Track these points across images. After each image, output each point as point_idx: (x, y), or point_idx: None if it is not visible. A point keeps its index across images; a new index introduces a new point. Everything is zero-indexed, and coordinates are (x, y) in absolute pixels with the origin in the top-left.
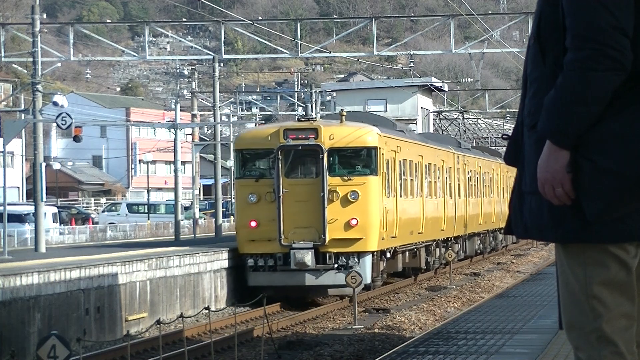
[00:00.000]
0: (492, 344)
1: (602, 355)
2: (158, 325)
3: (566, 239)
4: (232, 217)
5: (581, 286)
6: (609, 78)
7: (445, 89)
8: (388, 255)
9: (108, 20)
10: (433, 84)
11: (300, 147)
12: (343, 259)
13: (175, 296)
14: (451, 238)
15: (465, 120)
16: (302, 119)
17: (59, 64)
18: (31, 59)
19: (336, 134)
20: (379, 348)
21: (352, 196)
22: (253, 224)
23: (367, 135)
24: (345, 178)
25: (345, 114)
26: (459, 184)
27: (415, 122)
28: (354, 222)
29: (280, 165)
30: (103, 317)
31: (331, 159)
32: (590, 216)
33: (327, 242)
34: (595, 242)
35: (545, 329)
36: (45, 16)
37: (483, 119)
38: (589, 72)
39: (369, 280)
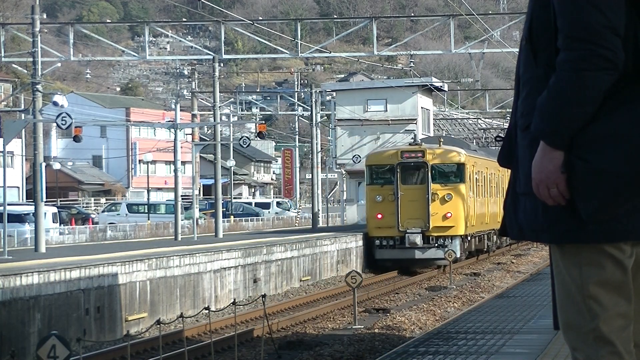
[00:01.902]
0: (492, 344)
1: (600, 356)
2: (158, 325)
3: (561, 239)
4: (231, 217)
5: (577, 286)
6: (601, 78)
7: (446, 89)
8: (469, 238)
9: (108, 20)
10: (433, 84)
11: (412, 163)
12: (441, 240)
13: (175, 296)
14: None
15: (466, 120)
16: (412, 144)
17: (59, 64)
18: (31, 59)
19: (436, 154)
20: (379, 348)
21: (448, 197)
22: (379, 216)
23: (458, 155)
24: (443, 185)
25: (442, 140)
26: None
27: (415, 122)
28: (448, 215)
29: (398, 176)
30: (103, 317)
31: (433, 171)
32: (586, 216)
33: (430, 228)
34: (590, 242)
35: (545, 329)
36: (45, 16)
37: (483, 119)
38: (582, 72)
39: (458, 255)
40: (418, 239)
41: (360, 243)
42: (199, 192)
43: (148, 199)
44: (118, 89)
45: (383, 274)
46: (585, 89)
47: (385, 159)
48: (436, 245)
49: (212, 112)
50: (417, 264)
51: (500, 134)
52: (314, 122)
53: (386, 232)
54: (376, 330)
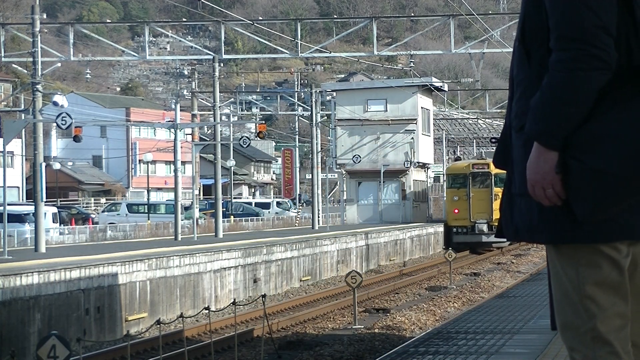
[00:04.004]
0: (492, 344)
1: (598, 356)
2: (158, 325)
3: (557, 240)
4: (231, 217)
5: (574, 287)
6: (594, 77)
7: (446, 89)
8: None
9: (108, 20)
10: (433, 84)
11: (480, 173)
12: None
13: (175, 296)
14: None
15: (466, 121)
16: (479, 158)
17: (59, 64)
18: (31, 59)
19: None
20: (379, 348)
21: None
22: (456, 211)
23: None
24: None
25: None
26: None
27: (415, 122)
28: None
29: (469, 181)
30: (103, 317)
31: (495, 178)
32: (581, 216)
33: (493, 220)
34: (586, 242)
35: (545, 329)
36: (45, 16)
37: (483, 119)
38: (575, 72)
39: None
40: (484, 227)
41: (361, 243)
42: (199, 192)
43: (148, 199)
44: (118, 89)
45: (386, 273)
46: (578, 89)
47: (461, 169)
48: None
49: (212, 112)
50: (483, 245)
51: (495, 136)
52: (314, 122)
53: (461, 222)
54: (376, 330)
